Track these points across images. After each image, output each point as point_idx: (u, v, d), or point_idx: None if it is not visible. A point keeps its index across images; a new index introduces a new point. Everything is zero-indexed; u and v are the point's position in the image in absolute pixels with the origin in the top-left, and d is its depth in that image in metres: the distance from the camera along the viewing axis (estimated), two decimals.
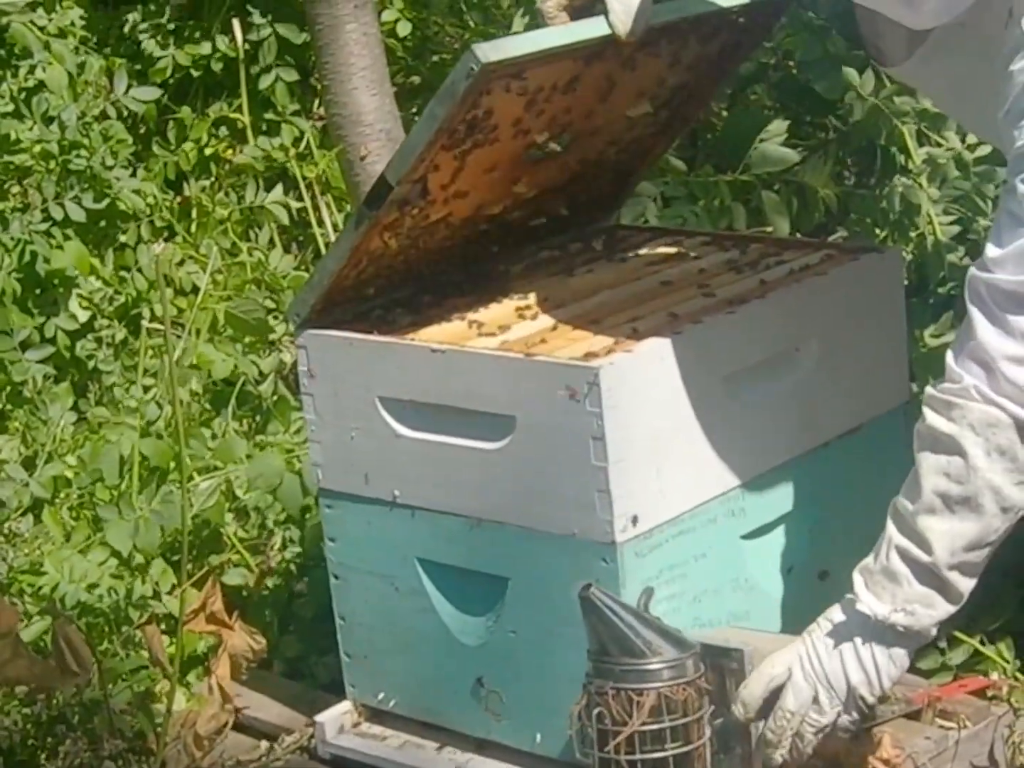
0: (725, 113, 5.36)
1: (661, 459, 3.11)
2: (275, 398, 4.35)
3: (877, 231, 4.74)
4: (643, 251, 3.70)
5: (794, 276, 3.42)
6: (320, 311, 3.35)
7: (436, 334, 3.31)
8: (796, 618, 3.32)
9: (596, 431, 3.02)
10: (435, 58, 5.54)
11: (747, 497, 3.28)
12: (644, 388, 3.07)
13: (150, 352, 4.60)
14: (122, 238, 4.77)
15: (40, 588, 3.83)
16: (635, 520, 3.08)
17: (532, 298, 3.45)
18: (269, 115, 5.10)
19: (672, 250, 3.67)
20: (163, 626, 3.86)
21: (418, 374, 3.24)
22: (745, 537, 3.29)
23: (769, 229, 4.74)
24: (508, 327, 3.29)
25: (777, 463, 3.33)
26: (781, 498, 3.35)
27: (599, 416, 3.01)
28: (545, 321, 3.31)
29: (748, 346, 3.25)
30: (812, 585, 3.42)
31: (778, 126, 4.88)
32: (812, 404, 3.38)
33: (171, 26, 5.02)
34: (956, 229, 4.60)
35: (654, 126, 3.68)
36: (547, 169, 3.50)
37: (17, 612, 3.64)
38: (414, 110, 5.43)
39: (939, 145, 4.73)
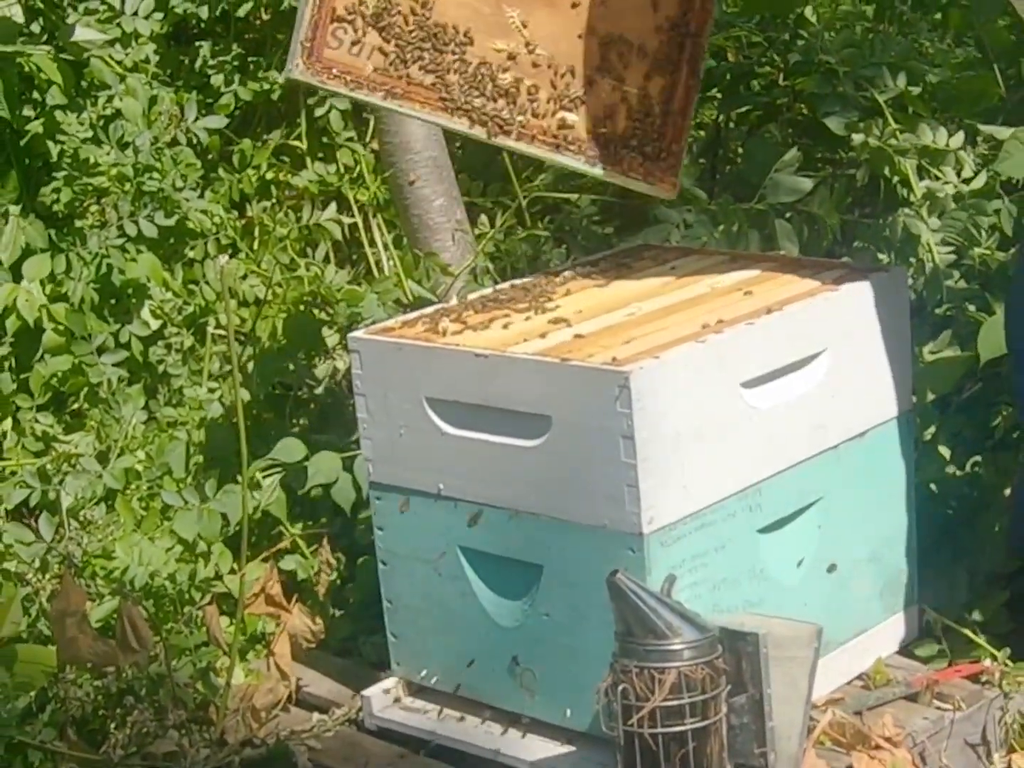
0: (742, 149, 5.36)
1: (684, 457, 3.09)
2: (330, 401, 4.32)
3: (881, 257, 4.72)
4: (669, 266, 3.67)
5: (808, 292, 3.39)
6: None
7: (479, 340, 3.28)
8: (806, 606, 3.32)
9: (626, 431, 3.01)
10: None
11: (763, 494, 3.25)
12: (670, 392, 3.05)
13: (215, 358, 4.59)
14: (190, 253, 4.76)
15: (111, 571, 3.82)
16: (660, 513, 3.06)
17: (568, 308, 3.42)
18: (325, 141, 5.07)
19: (695, 266, 3.64)
20: (224, 607, 3.83)
21: (462, 377, 3.22)
22: (761, 531, 3.27)
23: (781, 253, 4.72)
24: (546, 335, 3.26)
25: (791, 463, 3.30)
26: (794, 496, 3.32)
27: (629, 417, 3.00)
28: (580, 329, 3.28)
29: (765, 355, 3.23)
30: (821, 576, 3.40)
31: (792, 156, 4.86)
32: (823, 410, 3.35)
33: (235, 62, 5.00)
34: (952, 257, 4.59)
35: None
36: None
37: (85, 594, 3.63)
38: (458, 143, 5.43)
39: (938, 179, 4.71)
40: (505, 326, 3.35)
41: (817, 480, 3.35)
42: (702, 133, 5.48)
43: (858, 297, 3.41)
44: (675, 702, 2.88)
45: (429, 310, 3.51)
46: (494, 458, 3.22)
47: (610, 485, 3.06)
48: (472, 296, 3.57)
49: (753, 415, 3.21)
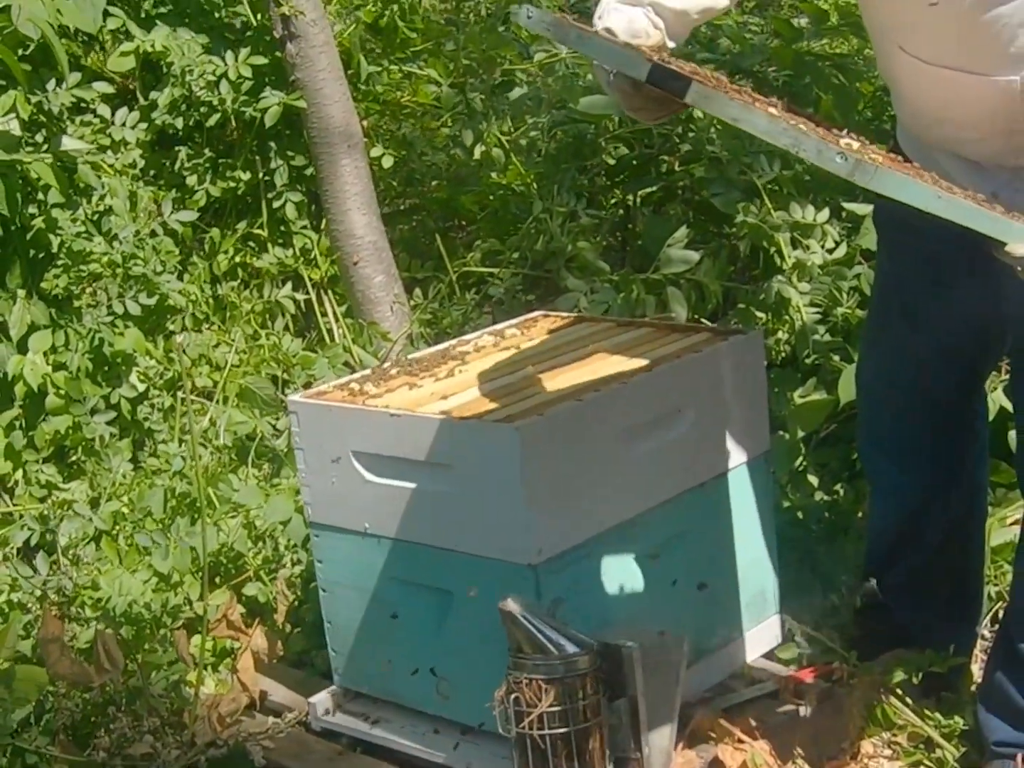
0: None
1: (568, 498, 3.07)
2: (287, 450, 4.31)
3: (760, 315, 4.73)
4: (562, 332, 3.66)
5: (676, 353, 3.38)
6: None
7: (395, 400, 3.27)
8: (680, 620, 3.29)
9: (517, 477, 3.00)
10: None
11: (639, 526, 3.24)
12: (554, 443, 3.04)
13: (184, 418, 4.58)
14: (170, 326, 4.76)
15: (97, 601, 3.79)
16: (549, 545, 3.05)
17: (472, 371, 3.41)
18: (283, 229, 5.08)
19: (584, 332, 3.63)
20: (198, 627, 3.81)
21: (380, 433, 3.21)
22: (637, 558, 3.25)
23: (672, 315, 4.73)
24: (448, 396, 3.26)
25: (663, 499, 3.29)
26: (666, 526, 3.30)
27: (519, 465, 2.99)
28: (480, 390, 3.27)
29: (638, 409, 3.21)
30: (693, 594, 3.39)
31: (682, 233, 4.87)
32: (691, 453, 3.34)
33: (207, 164, 4.99)
34: (818, 316, 4.61)
35: None
36: None
37: (62, 624, 3.62)
38: (403, 226, 5.46)
39: (808, 248, 4.73)
40: (419, 388, 3.35)
41: (686, 513, 3.34)
42: (621, 212, 5.47)
43: (719, 357, 3.40)
44: (559, 708, 2.88)
45: (357, 375, 3.51)
46: (409, 501, 3.20)
47: (505, 523, 3.04)
48: (396, 361, 3.56)
49: (628, 460, 3.19)
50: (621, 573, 3.22)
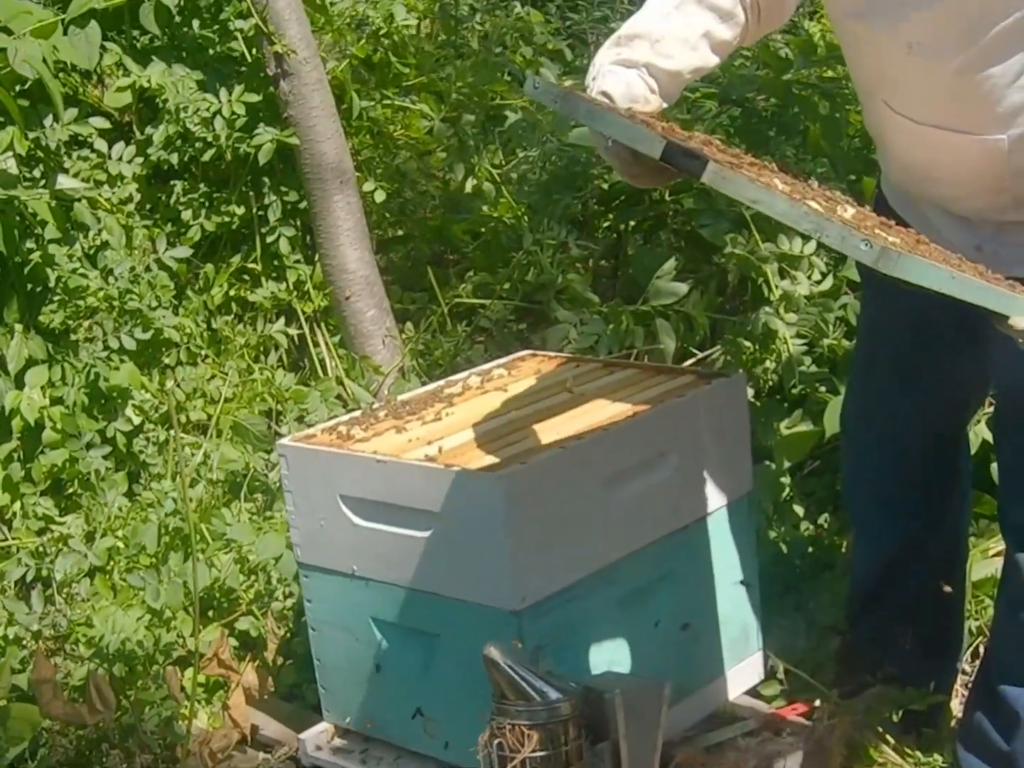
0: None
1: (551, 544, 3.09)
2: (278, 484, 4.33)
3: (747, 345, 4.75)
4: (548, 374, 3.68)
5: (659, 398, 3.40)
6: None
7: (382, 445, 3.29)
8: (664, 660, 3.32)
9: (500, 524, 3.01)
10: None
11: (622, 569, 3.25)
12: (537, 491, 3.05)
13: (176, 454, 4.60)
14: (166, 360, 4.77)
15: (91, 639, 3.81)
16: (532, 591, 3.06)
17: (458, 416, 3.43)
18: (276, 263, 5.09)
19: (571, 374, 3.64)
20: (192, 661, 3.83)
21: (368, 478, 3.22)
22: (620, 601, 3.26)
23: (661, 347, 4.74)
24: (433, 442, 3.27)
25: (646, 543, 3.29)
26: (650, 568, 3.31)
27: (502, 513, 3.01)
28: (465, 436, 3.28)
29: (621, 454, 3.22)
30: (676, 634, 3.40)
31: (670, 265, 4.89)
32: (674, 496, 3.35)
33: (202, 199, 5.01)
34: (805, 348, 4.62)
35: None
36: None
37: (53, 666, 3.64)
38: (395, 255, 5.48)
39: (795, 279, 4.75)
40: (406, 432, 3.37)
41: (669, 555, 3.35)
42: (614, 236, 5.49)
43: (702, 401, 3.40)
44: (541, 753, 2.87)
45: (346, 417, 3.52)
46: (396, 545, 3.21)
47: (489, 570, 3.06)
48: (384, 404, 3.57)
49: (612, 505, 3.20)
50: (604, 616, 3.23)
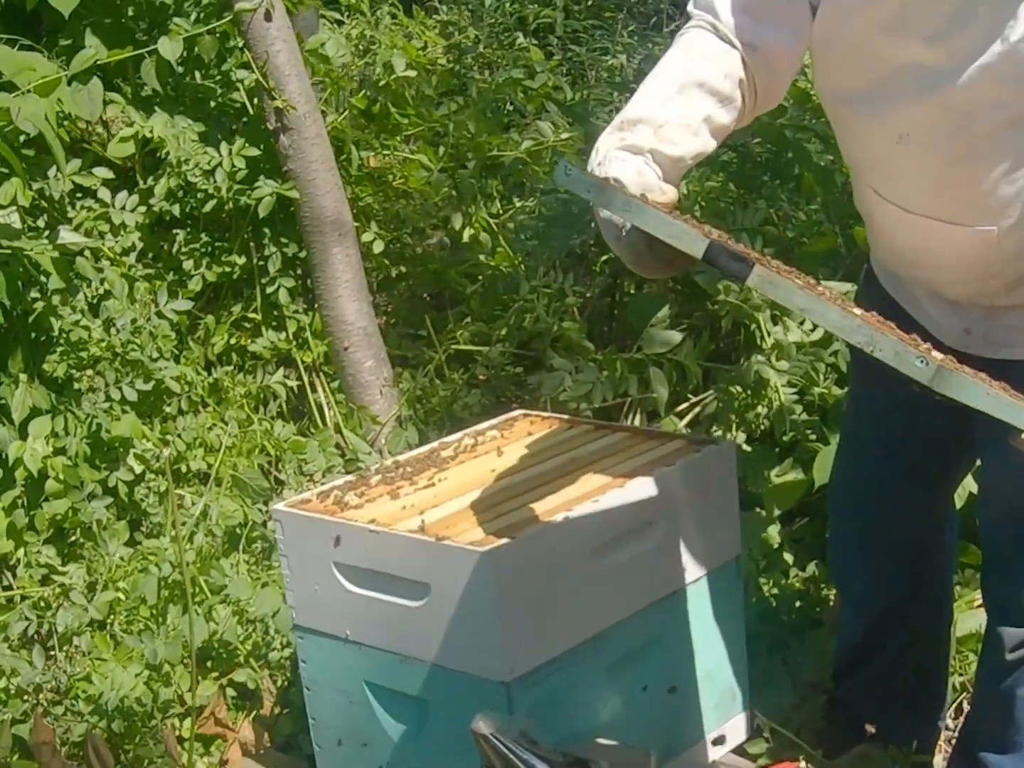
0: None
1: (540, 615, 3.11)
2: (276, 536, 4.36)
3: (739, 391, 4.78)
4: (541, 438, 3.70)
5: (648, 466, 3.42)
6: None
7: (375, 512, 3.32)
8: (652, 726, 3.34)
9: (490, 597, 3.04)
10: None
11: (611, 637, 3.27)
12: (527, 563, 3.08)
13: (186, 497, 4.63)
14: (167, 409, 4.80)
15: (90, 696, 3.84)
16: (521, 662, 3.09)
17: (451, 482, 3.46)
18: (276, 312, 5.13)
19: (561, 438, 3.67)
20: (190, 714, 3.86)
21: (360, 547, 3.25)
22: (609, 667, 3.29)
23: (655, 395, 4.77)
24: (431, 508, 3.30)
25: (634, 610, 3.32)
26: (639, 635, 3.34)
27: (492, 586, 3.03)
28: (456, 505, 3.32)
29: (609, 524, 3.24)
30: (663, 697, 3.42)
31: (664, 314, 4.92)
32: (662, 563, 3.37)
33: (204, 249, 5.05)
34: (796, 396, 4.65)
35: None
36: None
37: (51, 730, 3.67)
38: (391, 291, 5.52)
39: (787, 328, 4.78)
40: (398, 499, 3.39)
41: (658, 621, 3.37)
42: (611, 280, 5.51)
43: (691, 469, 3.42)
44: None
45: (340, 481, 3.55)
46: (388, 613, 3.24)
47: (479, 641, 3.08)
48: (378, 468, 3.59)
49: (600, 574, 3.22)
50: (592, 682, 3.26)
